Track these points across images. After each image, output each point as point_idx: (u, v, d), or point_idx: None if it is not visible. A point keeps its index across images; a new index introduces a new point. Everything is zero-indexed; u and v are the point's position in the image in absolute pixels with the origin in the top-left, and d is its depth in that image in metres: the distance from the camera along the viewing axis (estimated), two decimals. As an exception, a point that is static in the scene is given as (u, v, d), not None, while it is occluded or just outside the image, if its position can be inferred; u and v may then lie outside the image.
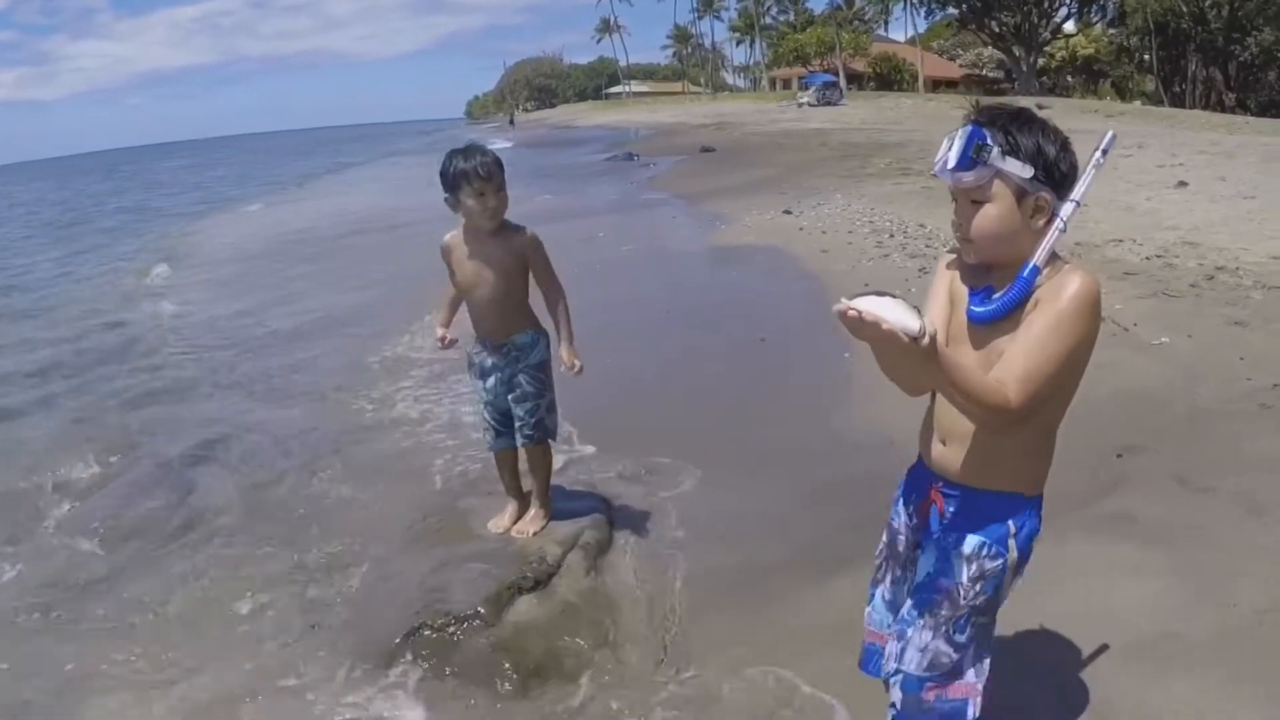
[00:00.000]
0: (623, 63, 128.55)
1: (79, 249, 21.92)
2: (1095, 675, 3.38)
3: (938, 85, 74.96)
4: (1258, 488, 4.61)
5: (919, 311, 1.94)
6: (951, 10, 69.32)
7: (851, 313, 1.89)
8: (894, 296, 1.93)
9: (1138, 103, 54.21)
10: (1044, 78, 68.72)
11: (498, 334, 4.45)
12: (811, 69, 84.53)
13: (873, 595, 2.89)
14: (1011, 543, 2.49)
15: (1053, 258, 2.32)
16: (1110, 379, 5.97)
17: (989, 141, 2.24)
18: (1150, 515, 4.48)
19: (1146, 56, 63.74)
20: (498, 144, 41.43)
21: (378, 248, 16.88)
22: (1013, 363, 2.24)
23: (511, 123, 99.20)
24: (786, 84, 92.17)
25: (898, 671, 2.60)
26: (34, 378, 9.71)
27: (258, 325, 11.15)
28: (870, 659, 2.88)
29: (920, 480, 2.68)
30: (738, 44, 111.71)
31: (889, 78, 76.17)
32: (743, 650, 3.81)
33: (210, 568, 4.94)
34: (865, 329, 1.90)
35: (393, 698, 3.71)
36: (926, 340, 1.92)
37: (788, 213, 15.20)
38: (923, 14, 74.64)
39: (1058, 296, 2.26)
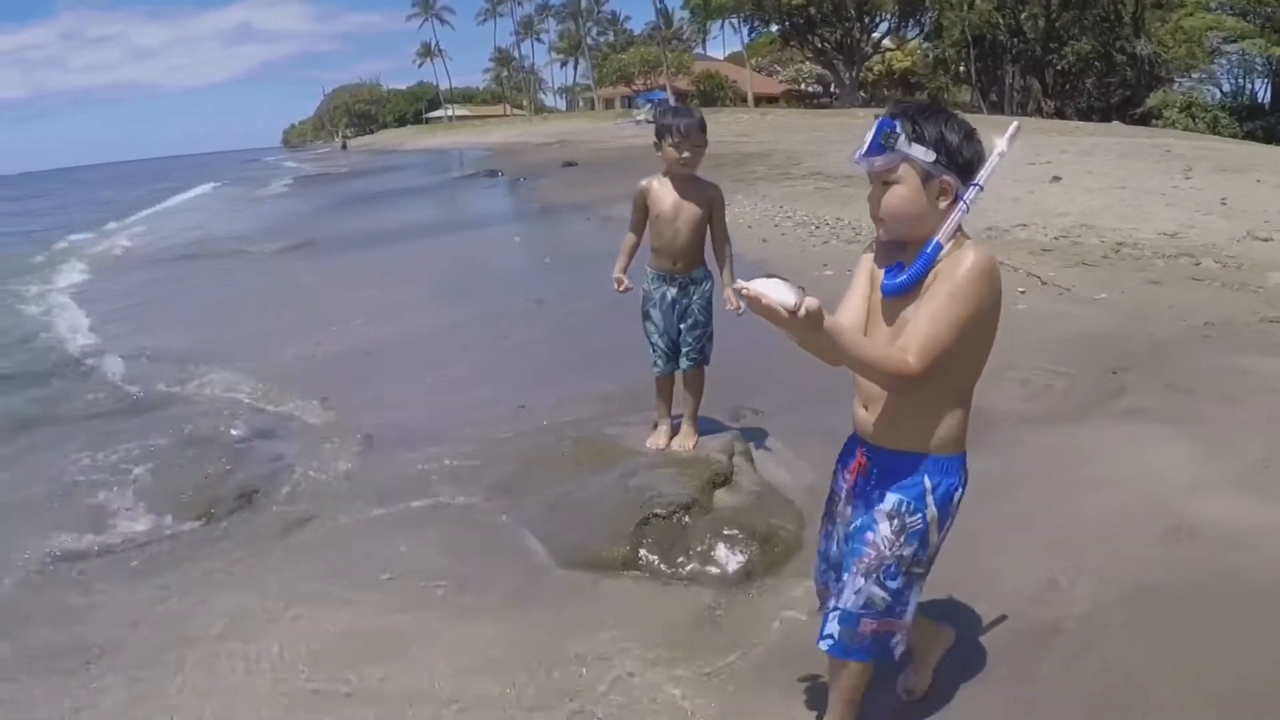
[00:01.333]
0: (445, 86, 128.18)
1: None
2: (1163, 506, 4.38)
3: (759, 101, 76.42)
4: (1226, 387, 5.87)
5: (801, 291, 2.23)
6: (774, 27, 71.05)
7: (745, 290, 2.25)
8: (781, 279, 2.26)
9: (1006, 113, 56.47)
10: (862, 91, 71.04)
11: (681, 268, 5.13)
12: (636, 88, 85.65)
13: (819, 550, 3.09)
14: (929, 499, 2.72)
15: (957, 236, 2.56)
16: (1074, 324, 7.47)
17: (897, 130, 2.50)
18: (1155, 407, 5.65)
19: (963, 68, 66.72)
20: (337, 167, 41.00)
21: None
22: (914, 329, 2.51)
23: (344, 147, 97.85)
24: (610, 103, 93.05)
25: (836, 608, 2.81)
26: None
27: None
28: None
29: (851, 444, 2.89)
30: (562, 65, 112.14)
31: (713, 94, 77.26)
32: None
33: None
34: (757, 305, 2.23)
35: (640, 580, 4.21)
36: (802, 313, 2.22)
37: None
38: (746, 32, 76.14)
39: (955, 270, 2.52)
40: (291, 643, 3.82)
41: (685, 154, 4.88)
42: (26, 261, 19.83)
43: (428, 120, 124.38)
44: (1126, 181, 14.95)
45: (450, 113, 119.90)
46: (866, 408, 2.80)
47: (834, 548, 3.03)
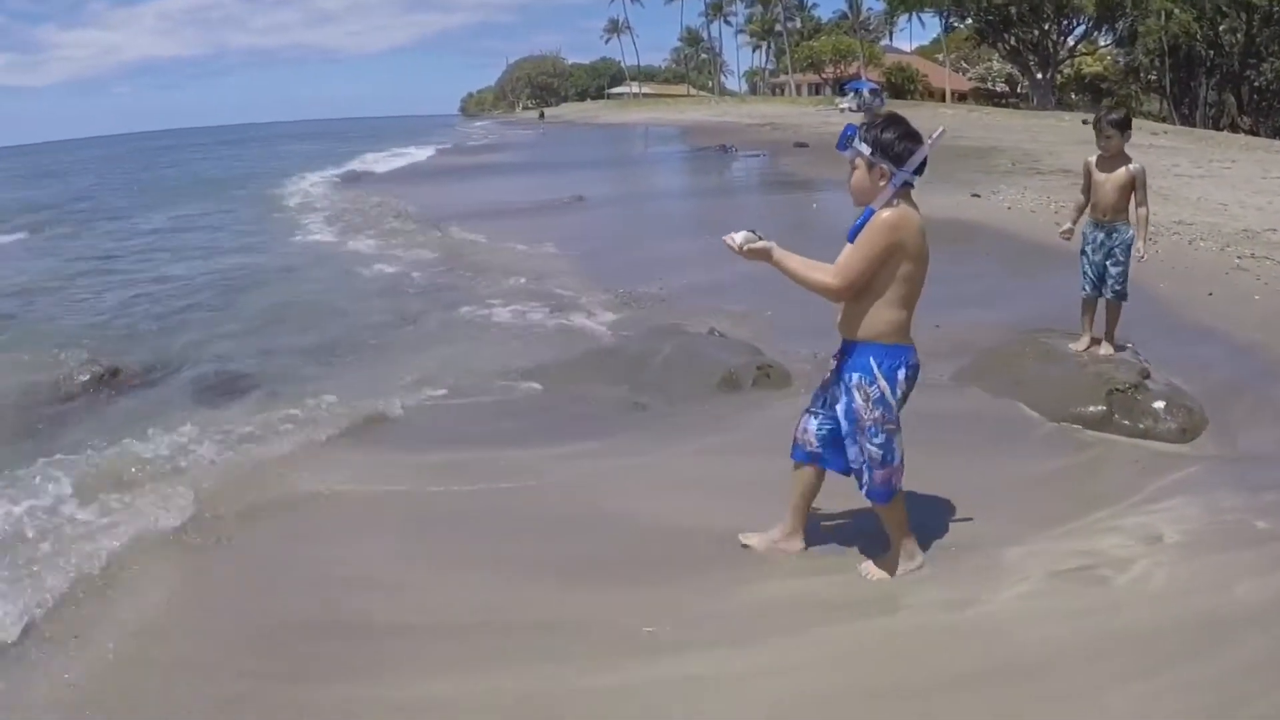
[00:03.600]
0: (630, 63, 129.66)
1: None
2: None
3: (946, 97, 76.55)
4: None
5: (751, 234, 3.91)
6: (970, 22, 70.90)
7: (725, 239, 3.96)
8: (748, 230, 3.94)
9: (1197, 125, 55.70)
10: (1034, 94, 70.70)
11: (1110, 219, 6.98)
12: (825, 76, 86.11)
13: (806, 415, 4.38)
14: (877, 373, 4.01)
15: (892, 202, 3.87)
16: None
17: (854, 132, 3.95)
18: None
19: (1153, 77, 65.71)
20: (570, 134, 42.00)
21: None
22: (841, 258, 3.94)
23: (541, 116, 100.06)
24: (798, 89, 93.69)
25: (864, 461, 4.13)
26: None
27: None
28: (797, 450, 4.42)
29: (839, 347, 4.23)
30: (754, 49, 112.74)
31: (903, 87, 77.44)
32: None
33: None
34: (729, 247, 3.92)
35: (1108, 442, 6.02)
36: (747, 249, 3.88)
37: (975, 195, 16.98)
38: (941, 25, 75.92)
39: (872, 223, 3.87)
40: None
41: (1103, 143, 6.82)
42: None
43: (609, 96, 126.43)
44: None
45: (633, 89, 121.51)
46: (838, 314, 4.12)
47: (817, 403, 4.31)
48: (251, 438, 6.33)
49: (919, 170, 3.89)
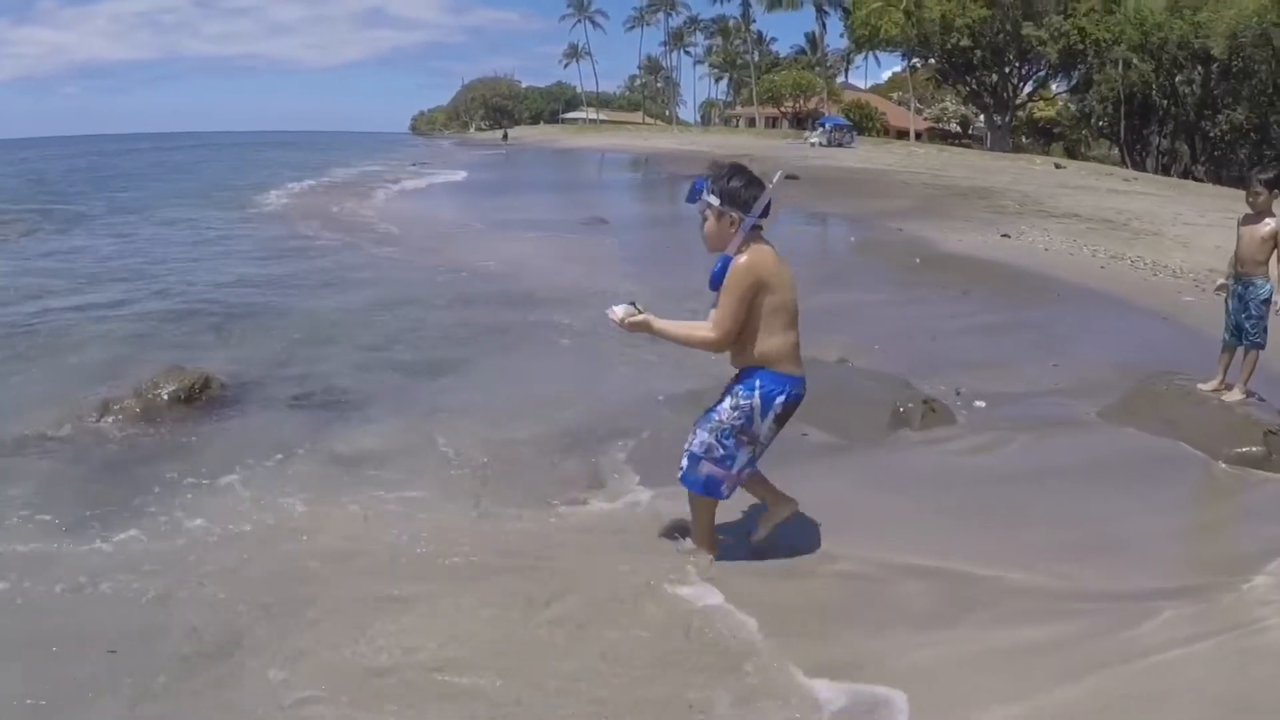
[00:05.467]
0: (589, 89, 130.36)
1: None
2: None
3: (901, 135, 77.49)
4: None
5: (630, 308, 4.22)
6: (932, 62, 72.12)
7: (608, 313, 4.27)
8: (626, 304, 4.26)
9: (1148, 171, 56.86)
10: (992, 136, 72.04)
11: (1246, 272, 7.00)
12: (784, 110, 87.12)
13: None
14: (757, 392, 4.30)
15: (745, 246, 4.18)
16: None
17: (703, 186, 4.24)
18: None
19: (1103, 123, 67.23)
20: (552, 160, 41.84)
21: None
22: (714, 312, 4.25)
23: (505, 138, 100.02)
24: (751, 122, 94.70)
25: (688, 449, 4.44)
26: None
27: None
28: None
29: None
30: (716, 80, 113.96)
31: (862, 125, 78.55)
32: None
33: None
34: (613, 321, 4.24)
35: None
36: (628, 323, 4.22)
37: (1005, 236, 17.18)
38: (905, 65, 77.13)
39: (732, 270, 4.15)
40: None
41: (1250, 197, 6.89)
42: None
43: (562, 120, 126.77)
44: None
45: (589, 115, 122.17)
46: (730, 351, 4.38)
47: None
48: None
49: (764, 214, 4.20)
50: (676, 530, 4.88)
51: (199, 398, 7.38)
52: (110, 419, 6.90)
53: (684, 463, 4.48)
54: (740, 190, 4.18)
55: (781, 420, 4.39)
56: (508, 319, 10.62)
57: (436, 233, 19.23)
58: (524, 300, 11.66)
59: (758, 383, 4.30)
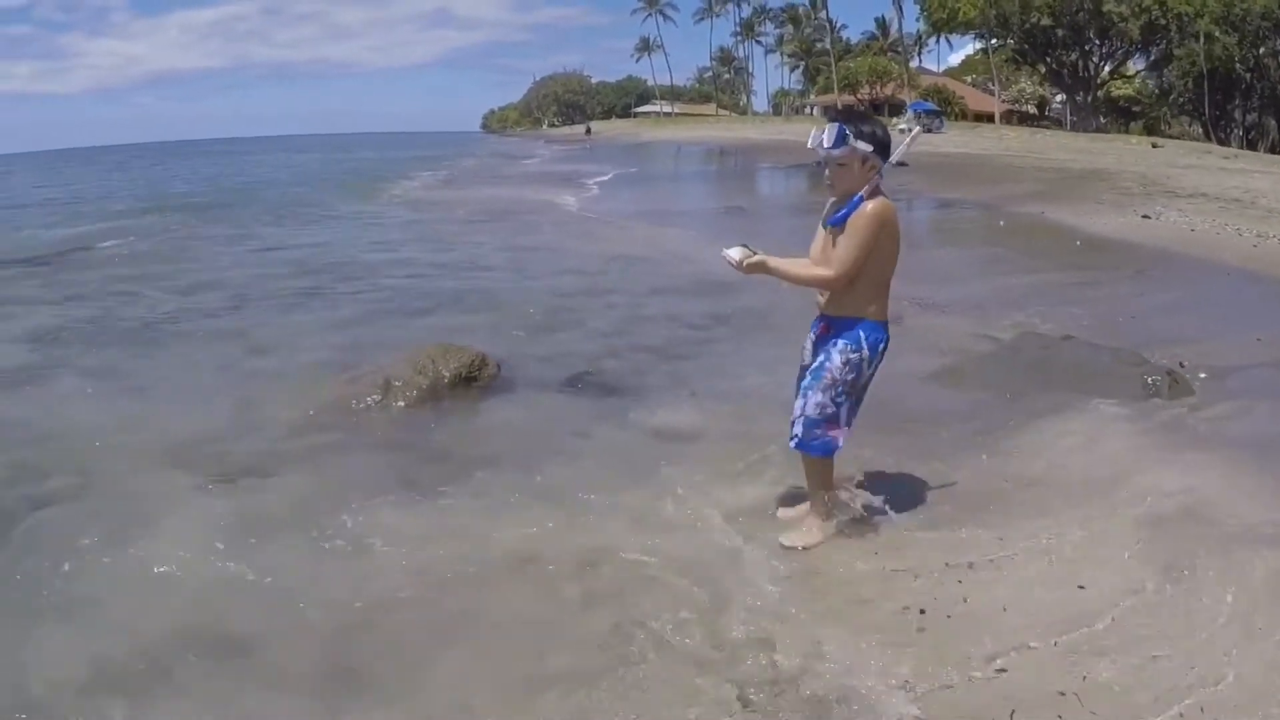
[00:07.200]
0: (663, 82, 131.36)
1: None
2: None
3: (979, 118, 77.24)
4: None
5: (745, 249, 4.29)
6: (1010, 44, 71.72)
7: (722, 255, 4.33)
8: (740, 245, 4.33)
9: (1233, 147, 56.16)
10: (1073, 117, 71.79)
11: None
12: (860, 97, 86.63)
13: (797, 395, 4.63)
14: (863, 343, 4.39)
15: (875, 191, 4.27)
16: None
17: (848, 131, 4.25)
18: None
19: (1183, 99, 66.58)
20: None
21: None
22: (835, 253, 4.31)
23: (588, 132, 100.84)
24: (827, 110, 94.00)
25: (803, 415, 4.46)
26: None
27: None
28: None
29: (816, 320, 4.62)
30: (791, 70, 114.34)
31: (942, 110, 78.10)
32: None
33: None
34: (729, 264, 4.30)
35: None
36: (746, 265, 4.26)
37: (1146, 217, 17.69)
38: (985, 46, 76.54)
39: (860, 214, 4.22)
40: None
41: None
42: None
43: (635, 114, 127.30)
44: None
45: (662, 108, 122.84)
46: (823, 296, 4.48)
47: (801, 385, 4.54)
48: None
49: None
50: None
51: (478, 377, 7.59)
52: (400, 401, 7.14)
53: (797, 430, 4.51)
54: (883, 136, 4.32)
55: (877, 367, 4.50)
56: (716, 306, 10.91)
57: (597, 218, 20.33)
58: (718, 287, 11.75)
59: (861, 334, 4.39)
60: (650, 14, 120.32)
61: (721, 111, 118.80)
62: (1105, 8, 62.31)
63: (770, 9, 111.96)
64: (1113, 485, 5.35)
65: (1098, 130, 65.09)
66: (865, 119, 4.42)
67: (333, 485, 5.56)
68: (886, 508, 4.93)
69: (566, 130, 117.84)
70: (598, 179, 33.82)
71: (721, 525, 4.94)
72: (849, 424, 4.54)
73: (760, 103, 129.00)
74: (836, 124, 4.31)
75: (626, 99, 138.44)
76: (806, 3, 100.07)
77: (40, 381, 8.27)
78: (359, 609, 4.23)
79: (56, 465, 6.00)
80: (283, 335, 10.01)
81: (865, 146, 4.25)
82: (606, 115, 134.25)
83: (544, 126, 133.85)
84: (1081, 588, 4.18)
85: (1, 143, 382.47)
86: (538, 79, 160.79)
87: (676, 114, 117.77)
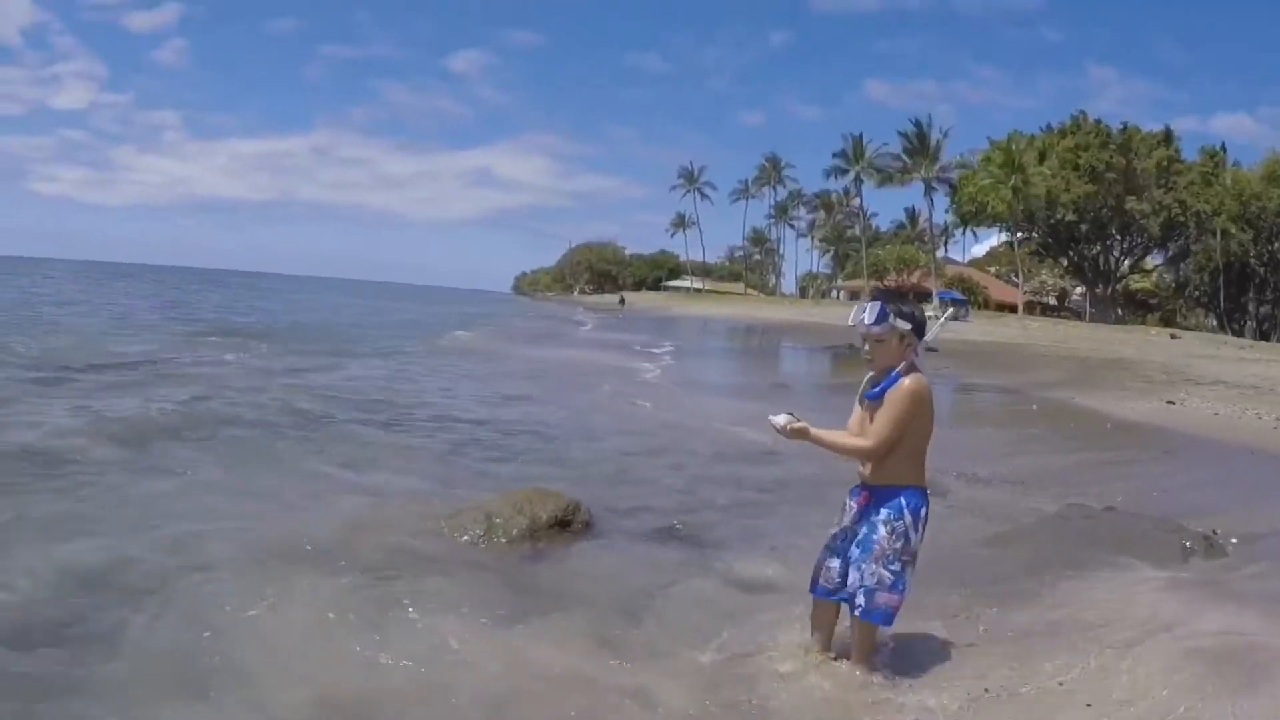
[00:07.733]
0: (695, 257, 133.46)
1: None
2: None
3: (1001, 308, 78.52)
4: None
5: (790, 417, 4.50)
6: (1035, 236, 73.68)
7: (770, 420, 4.56)
8: (786, 413, 4.54)
9: (1247, 338, 56.94)
10: (1093, 308, 73.42)
11: None
12: (887, 283, 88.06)
13: (828, 551, 4.89)
14: (905, 511, 4.60)
15: (910, 367, 4.58)
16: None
17: (888, 310, 4.59)
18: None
19: (1199, 292, 67.96)
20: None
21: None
22: (873, 426, 4.60)
23: (621, 303, 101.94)
24: (855, 295, 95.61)
25: (862, 586, 4.60)
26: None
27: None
28: (818, 588, 4.92)
29: (856, 488, 4.85)
30: (822, 254, 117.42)
31: (965, 298, 79.65)
32: None
33: None
34: (773, 430, 4.56)
35: None
36: (789, 430, 4.48)
37: (1170, 403, 18.64)
38: (1008, 238, 78.53)
39: (897, 389, 4.52)
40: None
41: None
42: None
43: (664, 287, 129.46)
44: None
45: (691, 283, 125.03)
46: (865, 466, 4.71)
47: (838, 544, 4.78)
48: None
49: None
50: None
51: (571, 522, 7.95)
52: (502, 537, 7.59)
53: (859, 600, 4.64)
54: (919, 318, 4.70)
55: (923, 531, 4.71)
56: (778, 472, 11.41)
57: (650, 389, 21.22)
58: (771, 456, 12.12)
59: (903, 502, 4.61)
60: (689, 191, 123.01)
61: (750, 290, 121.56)
62: (1128, 205, 64.35)
63: (804, 194, 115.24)
64: (1163, 626, 5.71)
65: (1116, 321, 66.57)
66: (904, 300, 4.90)
67: (451, 605, 6.03)
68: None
69: (596, 299, 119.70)
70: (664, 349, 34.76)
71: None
72: (906, 591, 4.71)
73: (788, 284, 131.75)
74: (878, 302, 4.67)
75: (658, 272, 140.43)
76: (840, 189, 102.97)
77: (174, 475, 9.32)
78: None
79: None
80: (378, 457, 10.94)
81: (904, 325, 4.63)
82: (637, 286, 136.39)
83: (575, 293, 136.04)
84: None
85: (40, 247, 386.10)
86: (572, 244, 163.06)
87: (706, 290, 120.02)
